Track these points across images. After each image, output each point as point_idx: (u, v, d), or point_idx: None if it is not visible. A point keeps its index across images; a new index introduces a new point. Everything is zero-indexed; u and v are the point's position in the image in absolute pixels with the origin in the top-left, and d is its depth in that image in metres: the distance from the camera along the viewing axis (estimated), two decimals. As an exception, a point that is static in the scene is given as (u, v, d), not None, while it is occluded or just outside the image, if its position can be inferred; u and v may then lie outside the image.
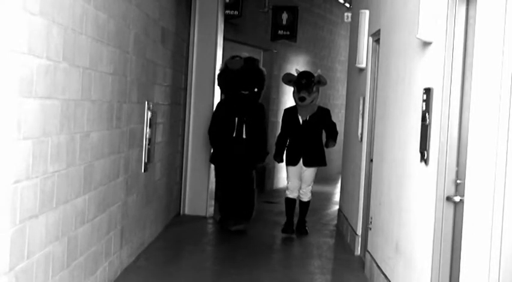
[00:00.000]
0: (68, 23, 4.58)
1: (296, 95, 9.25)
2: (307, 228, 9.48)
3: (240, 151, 9.37)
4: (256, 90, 9.44)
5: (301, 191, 9.47)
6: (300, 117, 9.28)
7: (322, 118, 9.32)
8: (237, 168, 9.44)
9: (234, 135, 9.36)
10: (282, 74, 14.26)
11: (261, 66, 9.75)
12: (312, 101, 9.18)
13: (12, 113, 3.78)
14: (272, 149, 9.68)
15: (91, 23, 5.11)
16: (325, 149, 9.42)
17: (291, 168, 9.38)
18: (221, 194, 9.57)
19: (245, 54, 9.69)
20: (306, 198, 9.51)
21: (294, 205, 9.49)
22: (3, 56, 3.65)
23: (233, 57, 9.52)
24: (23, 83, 3.90)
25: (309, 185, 9.45)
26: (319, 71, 9.61)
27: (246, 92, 9.38)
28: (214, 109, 9.85)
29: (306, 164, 9.29)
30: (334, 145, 9.42)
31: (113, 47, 5.81)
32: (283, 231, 9.37)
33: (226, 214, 9.44)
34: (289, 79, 9.37)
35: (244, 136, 9.38)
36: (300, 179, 9.39)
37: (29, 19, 3.92)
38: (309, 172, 9.35)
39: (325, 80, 9.37)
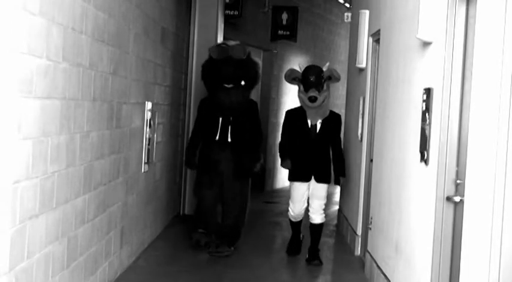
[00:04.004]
0: (68, 23, 4.59)
1: (304, 94, 7.55)
2: (320, 257, 7.73)
3: (223, 158, 7.85)
4: (243, 83, 7.81)
5: (311, 209, 7.73)
6: (309, 122, 7.63)
7: (333, 126, 7.73)
8: (220, 180, 7.92)
9: (217, 138, 7.86)
10: (282, 74, 14.31)
11: (253, 57, 8.21)
12: (323, 101, 7.55)
13: (12, 113, 3.78)
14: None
15: (91, 23, 5.11)
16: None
17: (298, 185, 7.71)
18: (197, 206, 8.21)
19: (232, 42, 8.11)
20: (318, 219, 7.73)
21: (300, 223, 7.99)
22: (3, 56, 3.65)
23: (218, 45, 8.08)
24: (23, 83, 3.90)
25: (322, 201, 7.72)
26: (328, 64, 7.85)
27: (230, 86, 7.75)
28: (197, 108, 8.34)
29: (318, 180, 7.64)
30: (343, 180, 7.95)
31: (113, 47, 5.81)
32: (288, 251, 7.98)
33: (196, 227, 8.07)
34: (293, 76, 7.66)
35: (229, 139, 7.86)
36: (307, 200, 7.77)
37: (29, 19, 3.92)
38: (322, 187, 7.69)
39: (338, 74, 7.65)
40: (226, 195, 7.92)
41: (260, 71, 8.21)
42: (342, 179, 7.89)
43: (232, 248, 7.87)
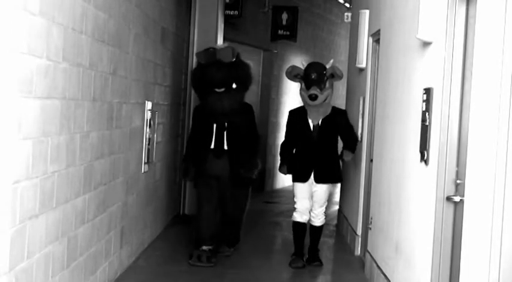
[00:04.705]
0: (68, 23, 4.59)
1: (305, 92, 7.32)
2: (320, 258, 7.69)
3: (220, 167, 7.50)
4: (234, 86, 7.42)
5: (312, 214, 7.56)
6: (310, 121, 7.41)
7: (338, 121, 7.47)
8: (218, 189, 7.57)
9: (213, 146, 7.49)
10: (282, 74, 14.32)
11: (244, 59, 7.79)
12: (324, 100, 7.30)
13: (12, 113, 3.78)
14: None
15: (91, 23, 5.11)
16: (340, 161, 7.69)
17: (299, 185, 7.48)
18: (196, 219, 7.72)
19: (220, 45, 7.80)
20: (318, 222, 7.62)
21: (304, 231, 7.60)
22: (3, 56, 3.65)
23: (206, 50, 7.62)
24: (23, 83, 3.90)
25: (322, 206, 7.54)
26: (331, 61, 7.60)
27: (222, 90, 7.37)
28: (191, 118, 8.07)
29: (318, 180, 7.44)
30: (351, 157, 7.59)
31: (113, 47, 5.81)
32: (292, 264, 7.48)
33: (198, 245, 7.44)
34: (295, 73, 7.42)
35: (225, 147, 7.49)
36: (311, 198, 7.53)
37: (29, 19, 3.92)
38: (322, 190, 7.49)
39: (341, 72, 7.40)
40: (225, 201, 7.63)
41: (251, 72, 7.77)
42: (349, 155, 7.49)
43: (232, 249, 7.81)
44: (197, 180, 7.63)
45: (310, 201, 7.50)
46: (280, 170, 7.68)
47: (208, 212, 7.53)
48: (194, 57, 9.81)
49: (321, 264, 7.61)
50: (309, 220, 7.60)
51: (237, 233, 7.89)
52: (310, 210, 7.55)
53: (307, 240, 7.79)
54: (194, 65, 8.11)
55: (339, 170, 7.58)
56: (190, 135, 7.82)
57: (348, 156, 7.50)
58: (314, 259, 7.62)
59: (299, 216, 7.51)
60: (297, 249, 7.55)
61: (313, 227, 7.64)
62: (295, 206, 7.52)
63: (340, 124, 7.47)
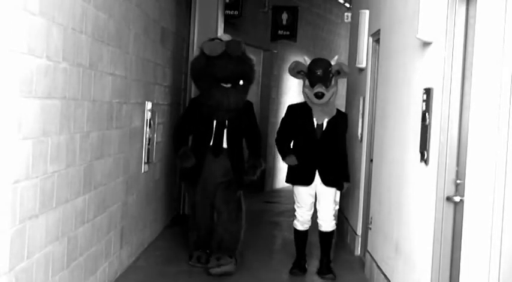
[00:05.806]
0: (68, 23, 4.59)
1: (309, 90, 6.80)
2: (333, 269, 7.07)
3: (218, 165, 7.10)
4: (241, 83, 7.07)
5: (319, 216, 7.02)
6: (315, 120, 6.90)
7: (339, 125, 7.00)
8: (214, 190, 7.13)
9: (211, 143, 7.10)
10: (282, 74, 14.34)
11: (249, 54, 7.38)
12: (330, 98, 6.80)
13: (12, 113, 3.78)
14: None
15: (91, 23, 5.11)
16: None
17: (301, 189, 6.96)
18: (192, 223, 7.35)
19: (226, 37, 7.28)
20: (328, 227, 7.02)
21: (306, 237, 7.12)
22: (3, 56, 3.65)
23: (212, 40, 7.21)
24: (23, 83, 3.90)
25: (330, 209, 6.99)
26: (336, 57, 7.06)
27: (228, 85, 7.00)
28: (186, 107, 7.66)
29: (326, 183, 6.91)
30: (347, 185, 7.21)
31: (113, 47, 5.81)
32: (292, 270, 7.08)
33: (197, 246, 7.29)
34: (298, 70, 6.87)
35: (225, 145, 7.11)
36: (314, 204, 7.03)
37: (29, 19, 3.92)
38: (329, 192, 6.98)
39: (348, 68, 6.97)
40: (221, 203, 7.14)
41: (255, 68, 7.38)
42: (345, 185, 7.12)
43: (234, 259, 7.09)
44: (192, 180, 7.22)
45: (312, 208, 7.03)
46: (287, 161, 6.97)
47: (204, 218, 7.23)
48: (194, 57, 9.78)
49: (335, 277, 7.01)
50: (317, 225, 7.08)
51: (236, 238, 7.24)
52: (317, 217, 7.04)
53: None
54: (196, 55, 7.77)
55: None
56: (181, 121, 7.40)
57: (347, 185, 7.18)
58: (328, 271, 7.04)
59: (300, 225, 7.07)
60: (298, 256, 7.15)
61: (322, 233, 7.05)
62: (296, 213, 7.06)
63: (341, 129, 7.04)
